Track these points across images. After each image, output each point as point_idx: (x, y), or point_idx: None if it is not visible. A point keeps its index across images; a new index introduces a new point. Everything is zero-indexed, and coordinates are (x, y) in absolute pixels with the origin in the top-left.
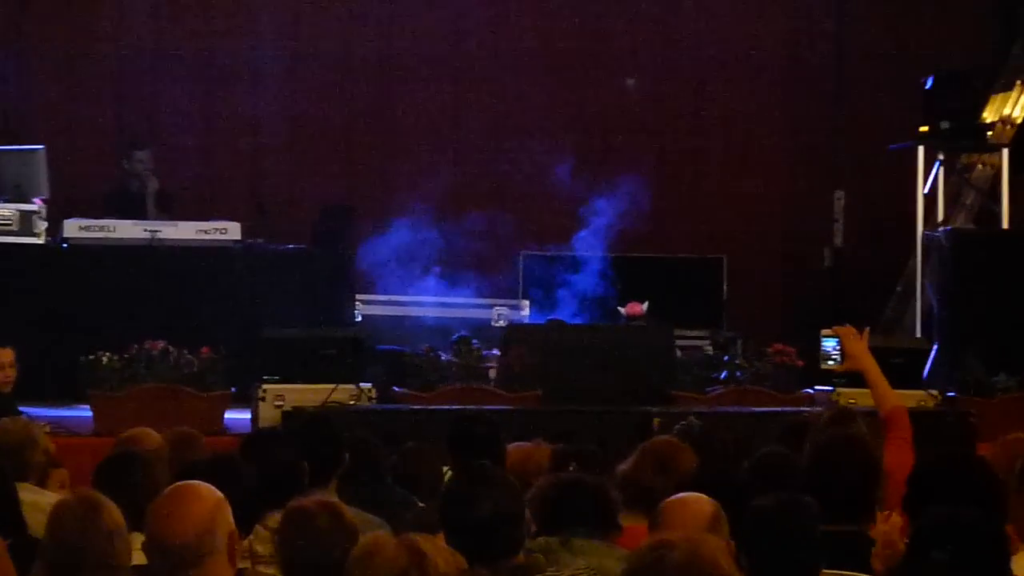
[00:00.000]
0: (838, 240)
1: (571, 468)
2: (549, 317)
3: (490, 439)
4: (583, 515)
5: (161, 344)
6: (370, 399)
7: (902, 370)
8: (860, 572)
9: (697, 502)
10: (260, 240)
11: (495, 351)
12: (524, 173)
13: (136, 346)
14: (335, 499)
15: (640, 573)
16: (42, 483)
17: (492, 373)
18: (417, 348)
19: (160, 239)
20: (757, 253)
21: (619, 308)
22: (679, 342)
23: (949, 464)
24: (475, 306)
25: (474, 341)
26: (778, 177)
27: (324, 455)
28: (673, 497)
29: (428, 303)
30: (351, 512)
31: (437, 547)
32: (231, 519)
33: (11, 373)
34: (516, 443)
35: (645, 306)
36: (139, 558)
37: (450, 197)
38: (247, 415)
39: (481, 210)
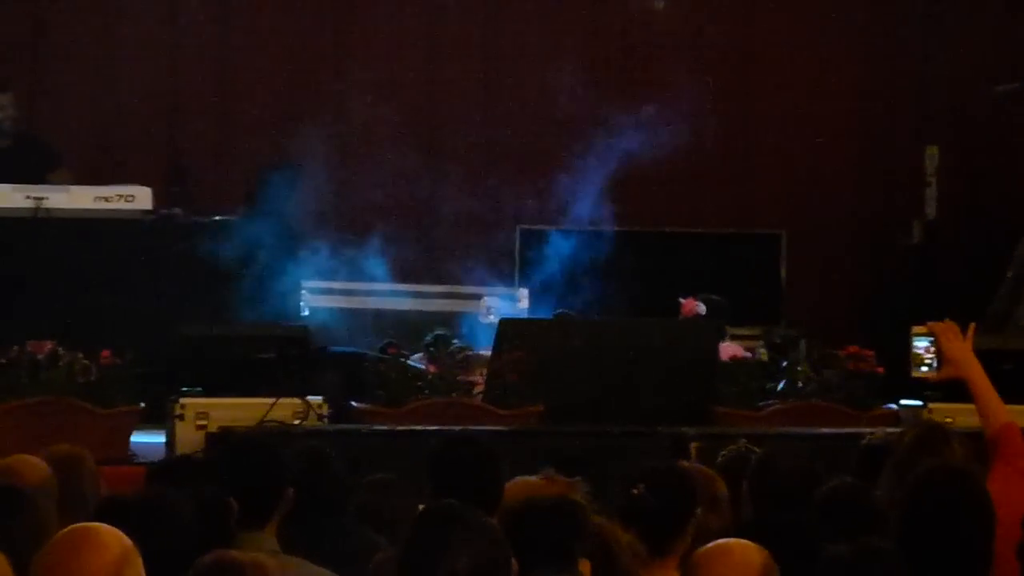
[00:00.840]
0: (930, 210)
1: (636, 491)
2: (555, 310)
3: (486, 470)
4: (539, 552)
5: (49, 345)
6: (321, 417)
7: (1013, 379)
8: None
9: (743, 551)
10: (178, 210)
11: (483, 353)
12: (524, 125)
13: (16, 348)
14: (266, 553)
15: None
16: None
17: (479, 384)
18: (382, 351)
19: (48, 208)
20: (825, 227)
21: (680, 299)
22: (725, 343)
23: None
24: (457, 296)
25: (455, 341)
26: (853, 129)
27: (260, 490)
28: (710, 545)
29: (396, 292)
30: (292, 566)
31: None
32: (142, 574)
33: None
34: (518, 478)
35: (701, 307)
36: None
37: (424, 153)
38: (161, 438)
39: (466, 171)
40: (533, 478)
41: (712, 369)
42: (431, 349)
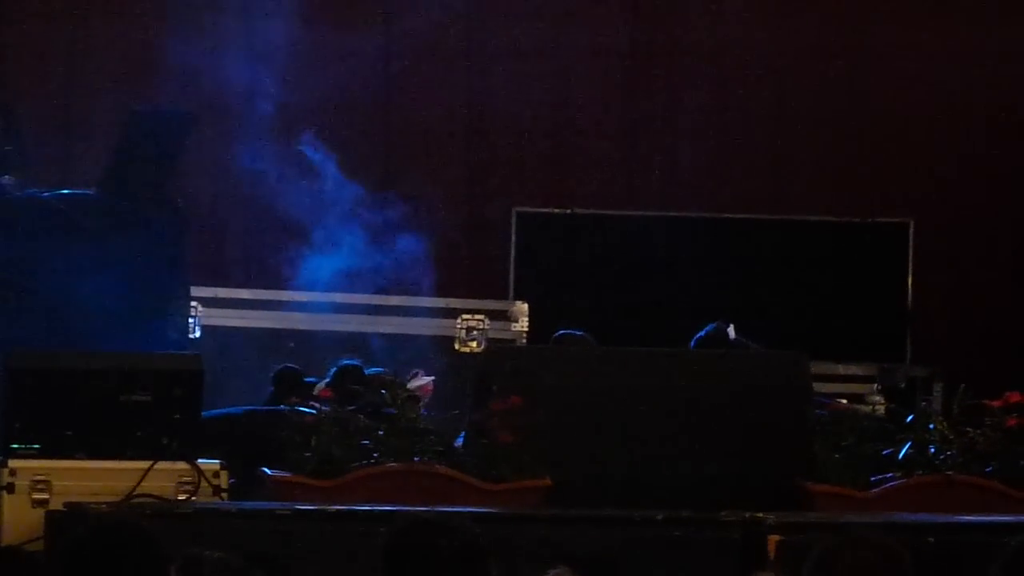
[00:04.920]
0: None
1: None
2: (562, 332)
3: (467, 569)
4: None
5: None
6: (219, 490)
7: None
8: None
9: None
10: (8, 179)
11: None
12: (523, 73)
13: None
14: None
15: None
16: None
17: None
18: (287, 392)
19: None
20: (970, 221)
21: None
22: (820, 387)
23: None
24: (427, 312)
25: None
26: (1007, 85)
27: None
28: None
29: (336, 306)
30: None
31: None
32: None
33: None
34: None
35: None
36: None
37: (384, 108)
38: None
39: (441, 135)
40: None
41: (806, 425)
42: (335, 385)
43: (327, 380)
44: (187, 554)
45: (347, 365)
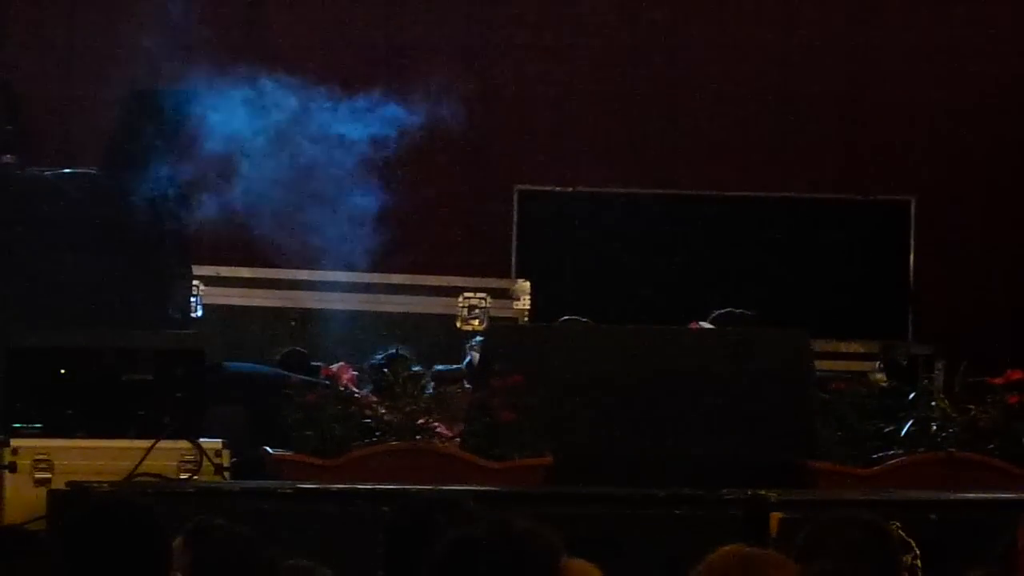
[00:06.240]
0: None
1: None
2: (567, 318)
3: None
4: None
5: None
6: (221, 469)
7: None
8: None
9: None
10: (9, 158)
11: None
12: (526, 50)
13: None
14: None
15: None
16: None
17: (446, 430)
18: (301, 370)
19: None
20: (972, 198)
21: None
22: (822, 365)
23: None
24: (428, 290)
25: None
26: (1008, 63)
27: None
28: None
29: (338, 285)
30: None
31: None
32: None
33: None
34: None
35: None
36: None
37: (386, 85)
38: None
39: (443, 112)
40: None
41: (808, 403)
42: (383, 370)
43: (376, 360)
44: (196, 522)
45: (394, 353)
